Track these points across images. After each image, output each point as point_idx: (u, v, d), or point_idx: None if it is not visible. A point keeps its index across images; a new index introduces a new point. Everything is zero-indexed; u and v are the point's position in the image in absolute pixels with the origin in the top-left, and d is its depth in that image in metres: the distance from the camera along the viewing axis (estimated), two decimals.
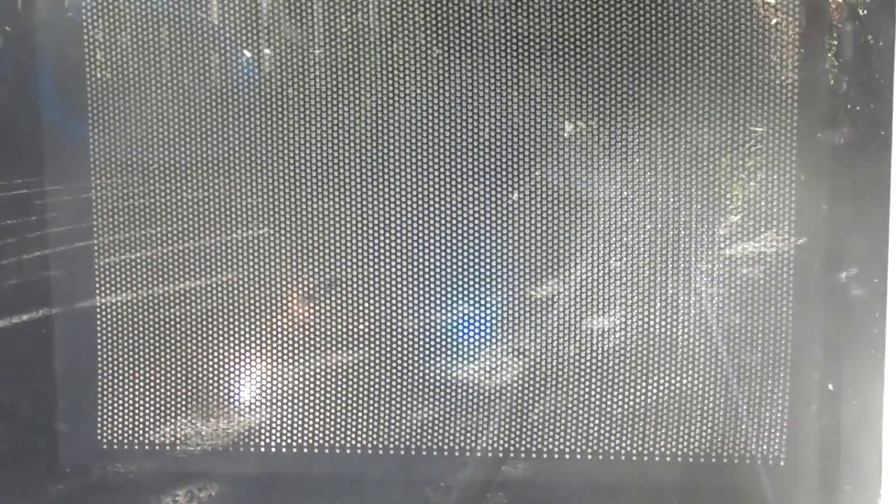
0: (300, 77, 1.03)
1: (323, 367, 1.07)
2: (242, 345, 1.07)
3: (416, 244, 1.04)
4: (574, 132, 1.01)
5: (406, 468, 1.06)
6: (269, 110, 1.03)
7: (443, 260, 1.03)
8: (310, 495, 1.09)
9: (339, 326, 1.06)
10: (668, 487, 1.05)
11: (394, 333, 1.05)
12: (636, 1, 0.98)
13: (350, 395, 1.06)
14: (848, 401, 1.00)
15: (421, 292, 1.04)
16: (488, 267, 1.03)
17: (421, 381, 1.06)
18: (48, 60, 1.06)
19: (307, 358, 1.07)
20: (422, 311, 1.05)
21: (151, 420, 1.09)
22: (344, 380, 1.06)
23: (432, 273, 1.04)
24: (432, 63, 1.01)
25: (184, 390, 1.08)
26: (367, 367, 1.06)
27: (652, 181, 1.01)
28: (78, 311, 1.09)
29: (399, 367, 1.05)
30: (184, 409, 1.09)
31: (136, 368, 1.08)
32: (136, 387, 1.09)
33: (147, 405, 1.09)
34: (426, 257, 1.04)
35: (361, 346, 1.06)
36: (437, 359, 1.05)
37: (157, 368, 1.08)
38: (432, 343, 1.05)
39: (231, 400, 1.09)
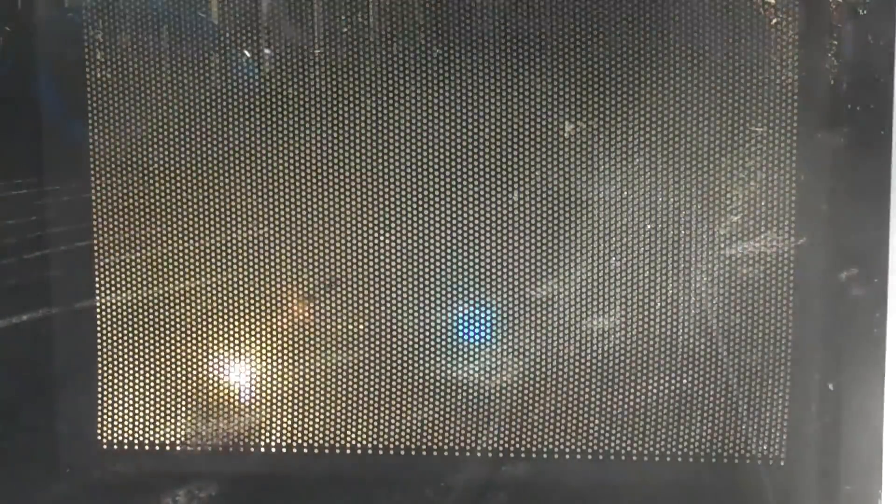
0: (300, 77, 1.03)
1: (323, 367, 1.07)
2: (243, 345, 1.07)
3: (416, 244, 1.04)
4: (574, 132, 1.01)
5: (406, 468, 1.07)
6: (270, 110, 1.03)
7: (443, 260, 1.03)
8: (310, 495, 1.09)
9: (339, 326, 1.06)
10: (668, 487, 1.05)
11: (394, 333, 1.05)
12: (636, 1, 0.98)
13: (350, 395, 1.06)
14: (848, 401, 1.00)
15: (421, 292, 1.04)
16: (488, 267, 1.03)
17: (421, 381, 1.06)
18: (48, 60, 1.06)
19: (307, 358, 1.07)
20: (422, 311, 1.05)
21: (151, 420, 1.09)
22: (344, 380, 1.06)
23: (432, 273, 1.04)
24: (432, 63, 1.01)
25: (184, 390, 1.08)
26: (367, 367, 1.06)
27: (652, 181, 1.01)
28: (78, 311, 1.08)
29: (399, 367, 1.06)
30: (184, 409, 1.09)
31: (136, 368, 1.08)
32: (136, 387, 1.09)
33: (147, 405, 1.09)
34: (426, 257, 1.04)
35: (361, 346, 1.06)
36: (437, 359, 1.05)
37: (157, 368, 1.08)
38: (432, 343, 1.05)
39: (231, 400, 1.09)
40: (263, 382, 1.08)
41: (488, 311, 1.04)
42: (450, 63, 1.01)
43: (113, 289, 1.08)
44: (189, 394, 1.08)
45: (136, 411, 1.09)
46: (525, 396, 1.05)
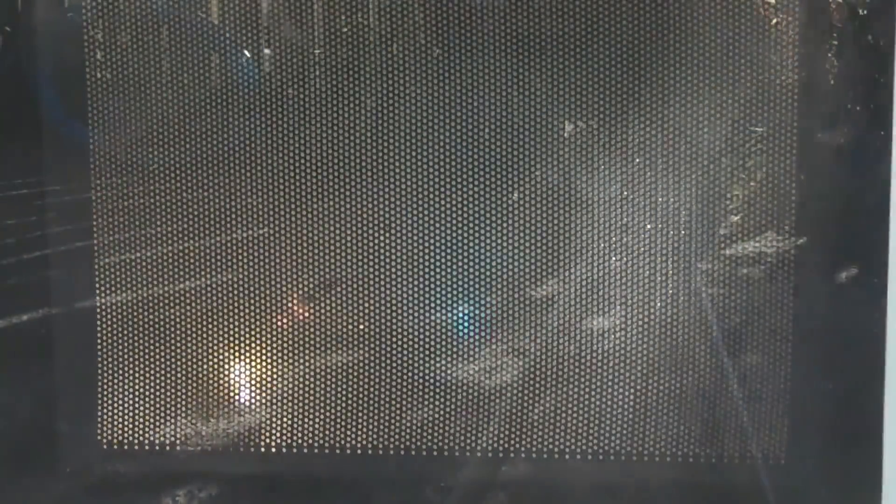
0: (300, 77, 1.03)
1: (323, 367, 1.07)
2: (242, 345, 1.07)
3: (416, 244, 1.04)
4: (574, 132, 1.01)
5: (406, 468, 1.07)
6: (270, 110, 1.03)
7: (443, 260, 1.03)
8: (310, 495, 1.09)
9: (339, 326, 1.06)
10: (668, 487, 1.05)
11: (393, 333, 1.05)
12: (636, 1, 0.98)
13: (350, 395, 1.06)
14: (848, 401, 1.00)
15: (421, 292, 1.04)
16: (488, 267, 1.03)
17: (421, 381, 1.06)
18: (48, 60, 1.06)
19: (307, 358, 1.07)
20: (421, 310, 1.05)
21: (151, 420, 1.09)
22: (344, 380, 1.06)
23: (432, 273, 1.04)
24: (432, 63, 1.01)
25: (184, 391, 1.08)
26: (367, 367, 1.06)
27: (652, 181, 1.01)
28: (78, 311, 1.09)
29: (399, 367, 1.05)
30: (184, 409, 1.09)
31: (136, 368, 1.08)
32: (136, 387, 1.09)
33: (147, 405, 1.09)
34: (426, 257, 1.04)
35: (361, 345, 1.06)
36: (437, 359, 1.05)
37: (158, 368, 1.08)
38: (432, 343, 1.05)
39: (231, 400, 1.09)
40: (263, 382, 1.08)
41: (488, 311, 1.04)
42: (450, 63, 1.01)
43: (113, 289, 1.08)
44: (189, 394, 1.08)
45: (136, 411, 1.09)
46: (525, 396, 1.05)
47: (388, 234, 1.04)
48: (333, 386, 1.07)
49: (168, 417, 1.09)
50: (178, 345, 1.08)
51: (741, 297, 1.02)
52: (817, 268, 1.00)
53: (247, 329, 1.07)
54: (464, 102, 1.01)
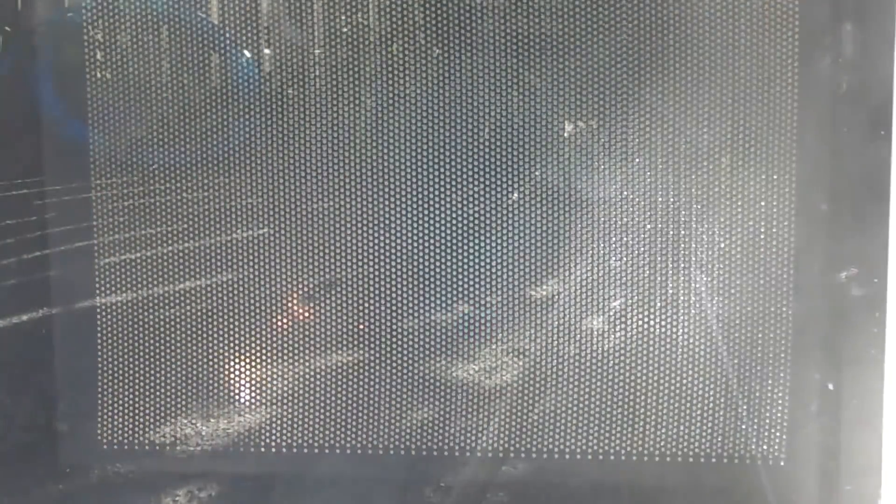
0: (300, 77, 1.03)
1: (323, 367, 1.07)
2: (242, 345, 1.07)
3: (416, 244, 1.04)
4: (574, 132, 1.01)
5: (406, 468, 1.07)
6: (269, 111, 1.03)
7: (443, 260, 1.03)
8: (310, 495, 1.09)
9: (339, 326, 1.06)
10: (668, 487, 1.05)
11: (393, 333, 1.05)
12: (636, 0, 0.98)
13: (350, 395, 1.06)
14: (848, 401, 1.00)
15: (421, 292, 1.04)
16: (488, 267, 1.03)
17: (421, 381, 1.06)
18: (48, 60, 1.06)
19: (307, 358, 1.07)
20: (421, 311, 1.05)
21: (151, 420, 1.09)
22: (344, 380, 1.06)
23: (432, 273, 1.04)
24: (432, 63, 1.01)
25: (184, 390, 1.08)
26: (367, 367, 1.06)
27: (652, 181, 1.01)
28: (78, 311, 1.08)
29: (399, 367, 1.05)
30: (184, 409, 1.09)
31: (136, 368, 1.08)
32: (136, 387, 1.09)
33: (147, 405, 1.09)
34: (426, 257, 1.04)
35: (361, 346, 1.06)
36: (437, 359, 1.05)
37: (157, 369, 1.08)
38: (432, 343, 1.05)
39: (231, 400, 1.09)
40: (263, 382, 1.08)
41: (488, 312, 1.04)
42: (450, 63, 1.01)
43: (113, 289, 1.08)
44: (189, 394, 1.08)
45: (136, 411, 1.09)
46: (525, 396, 1.05)
47: (388, 235, 1.04)
48: (333, 386, 1.07)
49: (168, 417, 1.09)
50: (178, 345, 1.08)
51: (741, 297, 1.01)
52: (817, 268, 1.00)
53: (247, 329, 1.07)
54: (463, 102, 1.01)
